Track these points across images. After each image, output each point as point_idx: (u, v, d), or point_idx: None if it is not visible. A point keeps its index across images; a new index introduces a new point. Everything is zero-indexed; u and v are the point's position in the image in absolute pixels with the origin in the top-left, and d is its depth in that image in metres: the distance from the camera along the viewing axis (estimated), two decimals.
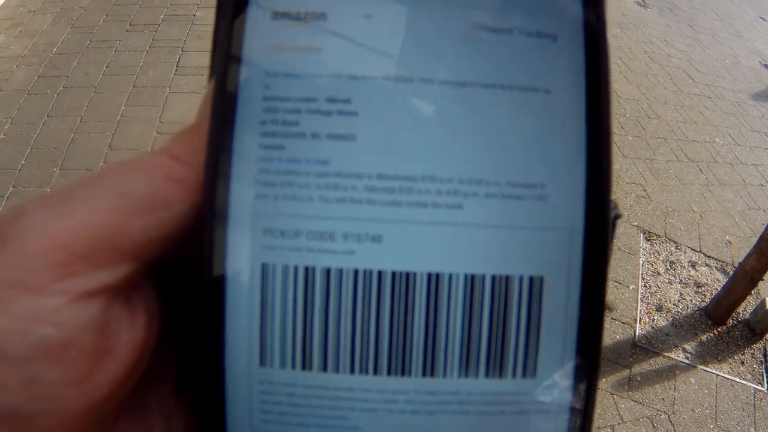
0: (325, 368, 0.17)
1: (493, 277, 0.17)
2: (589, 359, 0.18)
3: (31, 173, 2.04)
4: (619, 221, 0.19)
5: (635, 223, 2.27)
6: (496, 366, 0.18)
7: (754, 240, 1.89)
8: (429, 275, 0.17)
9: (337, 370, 0.17)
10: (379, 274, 0.17)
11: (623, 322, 1.92)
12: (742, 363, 1.91)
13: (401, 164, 0.17)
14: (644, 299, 2.02)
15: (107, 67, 2.54)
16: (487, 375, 0.18)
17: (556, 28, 0.18)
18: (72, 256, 0.16)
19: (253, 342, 0.17)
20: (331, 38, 0.17)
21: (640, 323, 1.94)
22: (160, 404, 0.20)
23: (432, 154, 0.17)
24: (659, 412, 1.72)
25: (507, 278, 0.17)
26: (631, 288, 2.04)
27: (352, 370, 0.17)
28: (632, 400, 1.73)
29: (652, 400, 1.74)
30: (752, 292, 1.97)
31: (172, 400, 0.20)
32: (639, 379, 1.79)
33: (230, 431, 0.18)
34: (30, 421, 0.16)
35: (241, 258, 0.17)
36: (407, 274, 0.17)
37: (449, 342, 0.17)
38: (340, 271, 0.17)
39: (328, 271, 0.17)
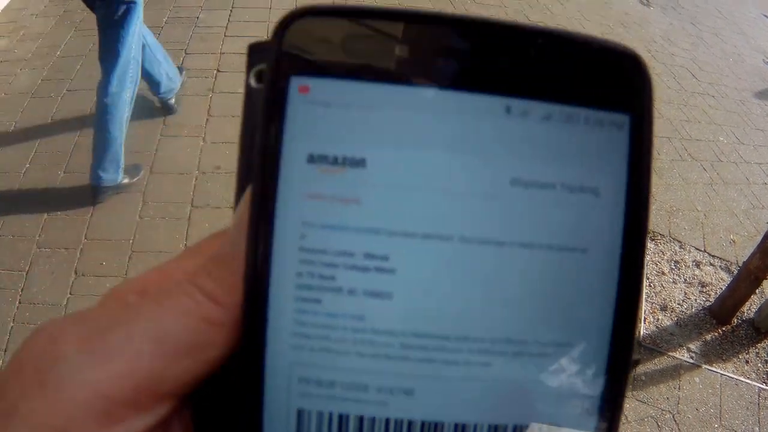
0: None
1: (515, 427, 0.18)
2: None
3: (35, 176, 2.05)
4: (637, 366, 0.20)
5: None
6: None
7: (759, 239, 1.88)
8: (456, 425, 0.18)
9: None
10: (410, 423, 0.18)
11: None
12: (747, 362, 1.91)
13: (436, 324, 0.18)
14: (649, 299, 2.02)
15: None
16: None
17: (598, 182, 0.18)
18: (114, 404, 0.16)
19: None
20: (371, 190, 0.17)
21: (644, 323, 1.94)
22: None
23: (466, 315, 0.18)
24: (664, 412, 1.71)
25: (528, 427, 0.18)
26: None
27: None
28: (637, 399, 1.73)
29: (657, 399, 1.74)
30: (756, 291, 1.96)
31: None
32: (644, 378, 1.79)
33: None
34: None
35: (278, 404, 0.18)
36: (435, 425, 0.18)
37: None
38: (373, 419, 0.18)
39: (361, 419, 0.18)
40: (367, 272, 0.17)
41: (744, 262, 1.92)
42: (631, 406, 1.71)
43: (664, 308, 2.00)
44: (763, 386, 1.84)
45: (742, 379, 1.85)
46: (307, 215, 0.17)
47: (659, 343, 1.89)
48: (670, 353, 1.87)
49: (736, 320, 2.01)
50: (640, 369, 1.80)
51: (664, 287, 2.07)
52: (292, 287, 0.17)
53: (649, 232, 2.02)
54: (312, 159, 0.17)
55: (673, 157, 2.67)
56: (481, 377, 0.18)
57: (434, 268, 0.18)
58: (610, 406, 0.18)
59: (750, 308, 2.04)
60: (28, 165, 2.09)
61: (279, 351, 0.18)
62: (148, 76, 2.15)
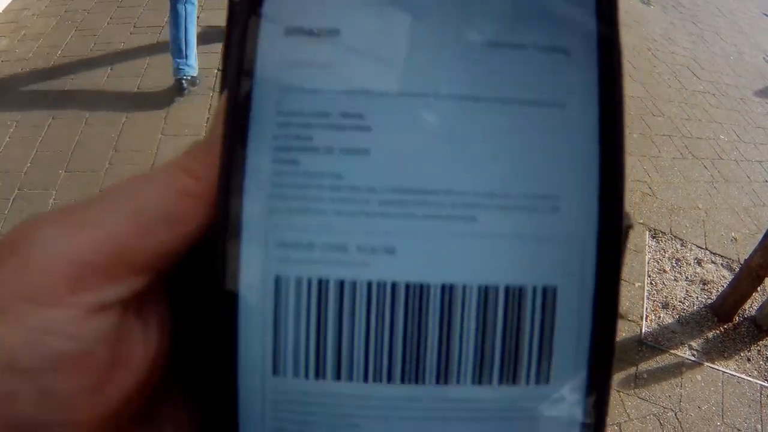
0: (338, 377, 0.17)
1: (507, 288, 0.17)
2: (603, 365, 0.18)
3: (36, 176, 2.06)
4: (631, 231, 0.19)
5: (641, 221, 2.26)
6: (510, 373, 0.18)
7: (760, 237, 1.88)
8: (443, 287, 0.17)
9: (350, 378, 0.17)
10: (393, 285, 0.17)
11: (629, 320, 1.92)
12: (749, 360, 1.91)
13: (415, 178, 0.17)
14: (650, 297, 2.02)
15: (111, 69, 2.55)
16: (500, 382, 0.18)
17: (569, 43, 0.18)
18: (86, 271, 0.16)
19: (266, 352, 0.17)
20: (345, 53, 0.18)
21: (646, 321, 1.94)
22: (171, 413, 0.20)
23: (446, 168, 0.17)
24: (666, 410, 1.71)
25: (520, 289, 0.17)
26: (637, 285, 2.04)
27: (365, 379, 0.18)
28: (639, 397, 1.73)
29: (659, 397, 1.74)
30: (758, 288, 1.96)
31: (183, 409, 0.20)
32: (645, 376, 1.79)
33: None
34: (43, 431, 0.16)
35: (255, 271, 0.17)
36: (421, 286, 0.17)
37: (463, 350, 0.18)
38: (354, 283, 0.17)
39: (341, 283, 0.17)
40: (343, 131, 0.17)
41: (745, 260, 1.92)
42: (633, 403, 1.71)
43: (665, 306, 2.00)
44: (766, 384, 1.84)
45: (744, 376, 1.85)
46: (283, 81, 0.17)
47: (661, 341, 1.88)
48: (672, 351, 1.87)
49: (737, 318, 2.01)
50: (642, 366, 1.80)
51: (665, 285, 2.07)
52: (269, 150, 0.17)
53: (651, 230, 2.02)
54: (288, 32, 0.18)
55: (674, 155, 2.67)
56: (466, 233, 0.17)
57: (410, 123, 0.17)
58: (605, 265, 0.18)
59: (752, 306, 2.04)
60: (29, 164, 2.10)
61: (256, 216, 0.17)
62: (176, 42, 2.32)
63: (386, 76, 0.18)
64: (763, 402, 1.79)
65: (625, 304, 1.95)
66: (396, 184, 0.17)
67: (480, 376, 0.18)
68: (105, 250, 0.16)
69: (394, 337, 0.17)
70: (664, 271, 2.12)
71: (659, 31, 3.74)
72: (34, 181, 2.04)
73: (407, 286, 0.17)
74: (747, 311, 2.03)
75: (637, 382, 1.77)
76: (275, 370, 0.17)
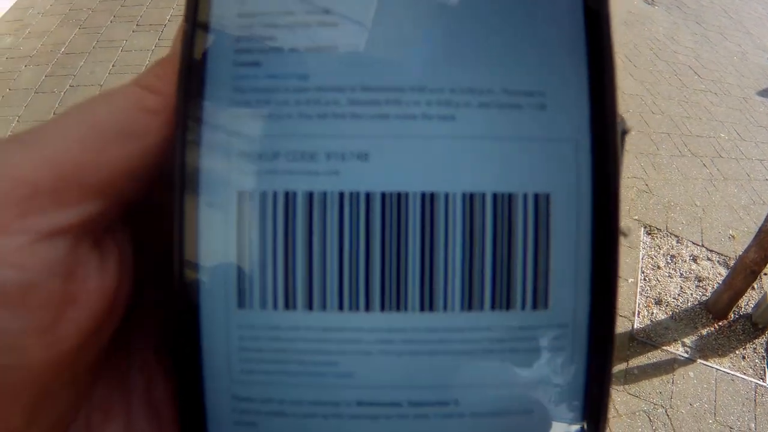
0: (310, 307, 0.16)
1: (495, 195, 0.16)
2: (606, 284, 0.16)
3: None
4: (627, 136, 0.17)
5: (636, 217, 2.25)
6: (503, 296, 0.16)
7: None
8: (423, 195, 0.16)
9: (324, 308, 0.16)
10: (367, 196, 0.16)
11: (621, 315, 1.90)
12: (744, 358, 1.89)
13: (386, 75, 0.16)
14: (643, 292, 2.00)
15: (114, 66, 2.59)
16: (493, 307, 0.16)
17: None
18: (36, 192, 0.14)
19: (229, 282, 0.16)
20: None
21: (638, 316, 1.92)
22: (140, 363, 0.18)
23: (419, 63, 0.16)
24: (656, 406, 1.69)
25: (510, 196, 0.16)
26: (629, 281, 2.02)
27: (341, 308, 0.16)
28: (629, 393, 1.71)
29: (650, 393, 1.72)
30: (754, 285, 1.94)
31: (153, 359, 0.19)
32: (636, 372, 1.77)
33: (209, 385, 0.16)
34: None
35: (215, 186, 0.15)
36: (398, 195, 0.16)
37: (449, 270, 0.16)
38: (324, 194, 0.15)
39: (310, 195, 0.15)
40: (308, 28, 0.16)
41: (740, 256, 1.90)
42: (622, 399, 1.69)
43: (658, 302, 1.98)
44: (760, 382, 1.82)
45: (738, 374, 1.83)
46: None
47: (653, 337, 1.87)
48: (664, 347, 1.85)
49: (733, 315, 1.98)
50: (632, 362, 1.78)
51: (659, 281, 2.05)
52: (230, 53, 0.16)
53: (646, 226, 2.00)
54: None
55: (673, 153, 2.64)
56: (446, 134, 0.16)
57: (379, 16, 0.16)
58: (602, 169, 0.16)
59: (748, 303, 2.02)
60: None
61: (216, 124, 0.16)
62: None
63: None
64: (757, 400, 1.77)
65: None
66: (366, 82, 0.16)
67: (470, 301, 0.16)
68: (56, 169, 0.15)
69: (370, 257, 0.16)
70: (659, 267, 2.10)
71: (662, 31, 3.72)
72: None
73: (383, 196, 0.16)
74: (743, 309, 2.01)
75: (627, 378, 1.75)
76: (240, 303, 0.16)
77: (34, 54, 2.66)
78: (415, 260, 0.16)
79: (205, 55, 0.16)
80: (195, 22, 0.16)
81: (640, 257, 2.11)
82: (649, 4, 4.08)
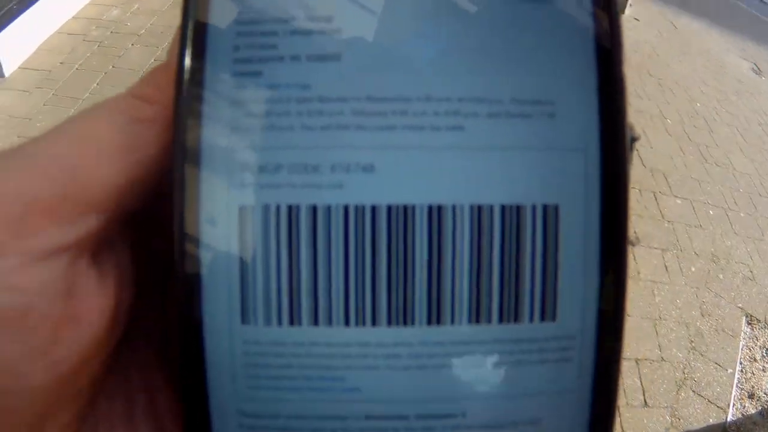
0: (316, 322, 0.15)
1: (503, 207, 0.15)
2: (614, 295, 0.16)
3: None
4: (635, 144, 0.17)
5: (739, 305, 2.26)
6: (511, 309, 0.16)
7: None
8: (430, 208, 0.15)
9: (330, 323, 0.15)
10: (373, 209, 0.15)
11: (718, 406, 1.93)
12: None
13: (392, 84, 0.15)
14: (739, 384, 2.03)
15: None
16: (500, 320, 0.16)
17: None
18: (30, 210, 0.14)
19: (233, 297, 0.15)
20: None
21: (732, 408, 1.95)
22: (142, 378, 0.18)
23: (426, 72, 0.16)
24: None
25: (518, 208, 0.15)
26: (728, 372, 2.04)
27: (347, 323, 0.15)
28: None
29: None
30: None
31: (155, 372, 0.18)
32: None
33: (213, 401, 0.16)
34: None
35: (217, 200, 0.15)
36: (405, 208, 0.15)
37: (456, 284, 0.15)
38: (328, 208, 0.15)
39: (314, 209, 0.15)
40: (310, 36, 0.15)
41: None
42: None
43: (751, 396, 2.00)
44: None
45: None
46: None
47: None
48: None
49: None
50: None
51: (754, 374, 2.07)
52: (229, 62, 0.15)
53: (747, 315, 1.99)
54: None
55: None
56: (454, 145, 0.15)
57: (384, 23, 0.16)
58: (611, 180, 0.16)
59: None
60: None
61: (215, 136, 0.15)
62: None
63: None
64: None
65: (715, 389, 1.97)
66: (371, 92, 0.15)
67: (477, 314, 0.16)
68: (50, 186, 0.14)
69: (376, 270, 0.15)
70: (755, 359, 2.11)
71: None
72: None
73: (389, 209, 0.15)
74: None
75: None
76: (244, 318, 0.15)
77: (142, 33, 2.51)
78: (422, 274, 0.15)
79: (202, 63, 0.15)
80: (192, 30, 0.16)
81: (740, 347, 2.13)
82: (757, 74, 4.01)
